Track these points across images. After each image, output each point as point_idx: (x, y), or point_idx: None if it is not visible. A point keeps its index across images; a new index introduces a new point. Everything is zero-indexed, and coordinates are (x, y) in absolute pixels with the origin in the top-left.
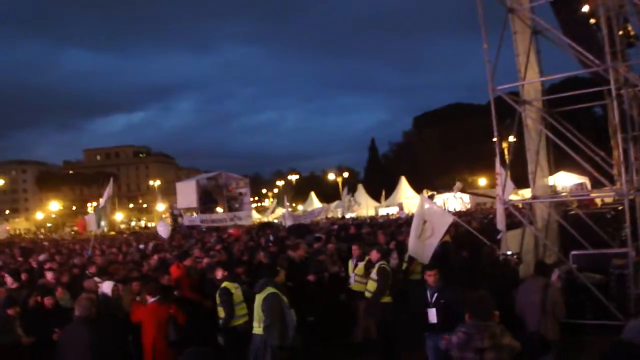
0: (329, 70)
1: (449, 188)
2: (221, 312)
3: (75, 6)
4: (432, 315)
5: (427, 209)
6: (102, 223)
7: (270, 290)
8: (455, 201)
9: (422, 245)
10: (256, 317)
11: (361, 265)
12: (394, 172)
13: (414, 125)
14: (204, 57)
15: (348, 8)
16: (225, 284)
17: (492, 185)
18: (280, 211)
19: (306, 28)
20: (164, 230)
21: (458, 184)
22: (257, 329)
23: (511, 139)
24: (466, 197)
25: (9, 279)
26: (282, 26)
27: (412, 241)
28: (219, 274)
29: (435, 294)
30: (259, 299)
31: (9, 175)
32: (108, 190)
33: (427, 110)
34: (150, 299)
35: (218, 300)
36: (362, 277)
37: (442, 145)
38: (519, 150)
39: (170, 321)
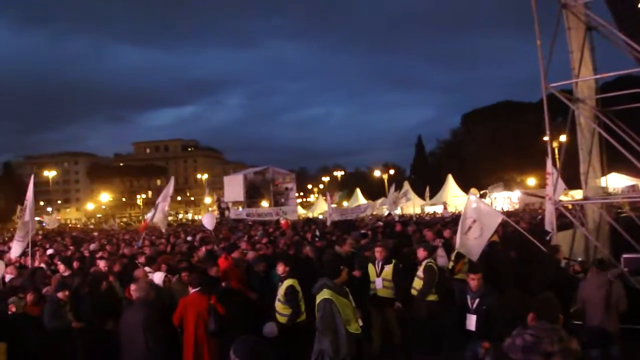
0: (377, 66)
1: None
2: (285, 309)
3: (126, 3)
4: (472, 322)
5: (476, 208)
6: (153, 216)
7: (324, 294)
8: (503, 201)
9: (470, 243)
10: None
11: (389, 268)
12: (440, 170)
13: (462, 123)
14: (251, 53)
15: (396, 4)
16: (290, 281)
17: (542, 185)
18: (324, 206)
19: (353, 24)
20: (209, 222)
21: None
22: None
23: (562, 138)
24: (514, 197)
25: (61, 267)
26: (329, 22)
27: (459, 237)
28: (280, 269)
29: (477, 300)
30: (317, 301)
31: (61, 166)
32: (168, 190)
33: (475, 107)
34: (192, 290)
35: (282, 298)
36: (390, 281)
37: (490, 144)
38: (570, 149)
39: (211, 311)
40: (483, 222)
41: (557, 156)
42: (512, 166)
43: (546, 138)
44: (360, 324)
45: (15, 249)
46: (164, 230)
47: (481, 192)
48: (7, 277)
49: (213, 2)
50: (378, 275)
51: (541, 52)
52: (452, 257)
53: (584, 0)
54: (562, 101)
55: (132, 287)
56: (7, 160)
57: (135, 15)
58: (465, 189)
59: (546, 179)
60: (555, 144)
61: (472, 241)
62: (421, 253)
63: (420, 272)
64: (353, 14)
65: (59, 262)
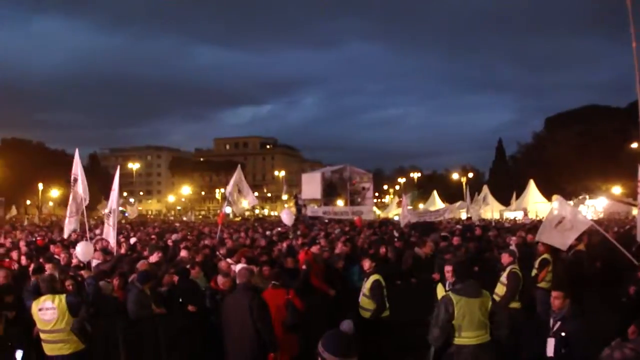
0: (454, 67)
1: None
2: (370, 304)
3: (207, 5)
4: (549, 346)
5: (562, 209)
6: (228, 209)
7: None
8: (587, 210)
9: (560, 234)
10: (476, 324)
11: None
12: (521, 175)
13: (546, 127)
14: (327, 53)
15: (477, 5)
16: (376, 276)
17: (628, 194)
18: (398, 208)
19: (433, 25)
20: (287, 218)
21: None
22: (482, 337)
23: None
24: (599, 206)
25: (148, 254)
26: (406, 23)
27: (547, 230)
28: (367, 264)
29: (558, 323)
30: (474, 303)
31: (144, 159)
32: (235, 177)
33: (559, 111)
34: (272, 283)
35: (368, 292)
36: None
37: (574, 149)
38: None
39: (289, 306)
40: (574, 222)
41: None
42: (596, 173)
43: (635, 145)
44: None
45: (111, 235)
46: (234, 215)
47: (580, 197)
48: (94, 262)
49: (292, 2)
50: None
51: (636, 55)
52: (536, 265)
53: None
54: None
55: (220, 279)
56: (93, 152)
57: (215, 16)
58: (547, 195)
59: (637, 187)
60: None
61: (562, 233)
62: (506, 258)
63: (503, 278)
64: (432, 14)
65: (146, 250)
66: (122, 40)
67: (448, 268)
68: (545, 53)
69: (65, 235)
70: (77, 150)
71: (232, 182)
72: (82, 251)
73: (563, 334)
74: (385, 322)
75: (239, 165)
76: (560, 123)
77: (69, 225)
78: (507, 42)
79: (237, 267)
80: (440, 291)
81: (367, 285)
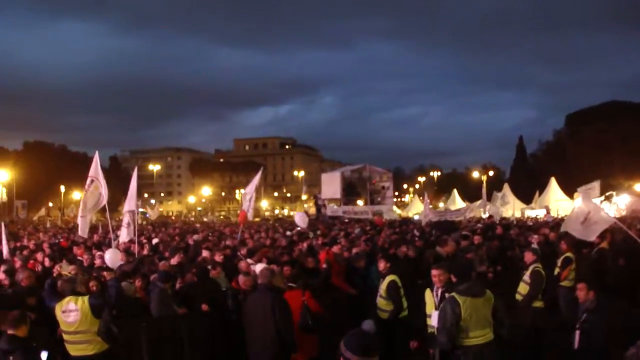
0: (474, 66)
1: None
2: (387, 305)
3: (226, 7)
4: (575, 338)
5: (589, 204)
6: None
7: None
8: (609, 207)
9: (586, 229)
10: (482, 323)
11: None
12: (542, 172)
13: (567, 124)
14: (346, 53)
15: (493, 2)
16: (392, 277)
17: None
18: (419, 207)
19: (450, 23)
20: (301, 221)
21: None
22: (487, 335)
23: None
24: (621, 204)
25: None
26: (423, 22)
27: (571, 224)
28: (382, 265)
29: (584, 315)
30: (479, 302)
31: (165, 161)
32: (255, 180)
33: (579, 108)
34: (291, 284)
35: (384, 293)
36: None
37: (596, 146)
38: None
39: (304, 307)
40: (597, 217)
41: None
42: (618, 170)
43: None
44: None
45: (123, 235)
46: (250, 218)
47: (608, 194)
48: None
49: (309, 3)
50: (437, 308)
51: None
52: (559, 263)
53: None
54: None
55: (240, 278)
56: (114, 154)
57: (234, 17)
58: (569, 193)
59: None
60: None
61: (588, 228)
62: (529, 257)
63: (526, 277)
64: (450, 12)
65: (168, 251)
66: (142, 42)
67: (435, 272)
68: (565, 50)
69: (81, 233)
70: (96, 153)
71: (252, 183)
72: (111, 258)
73: (586, 325)
74: (403, 322)
75: (261, 168)
76: (581, 120)
77: (83, 226)
78: (526, 39)
79: (258, 267)
80: (428, 296)
81: (383, 286)
